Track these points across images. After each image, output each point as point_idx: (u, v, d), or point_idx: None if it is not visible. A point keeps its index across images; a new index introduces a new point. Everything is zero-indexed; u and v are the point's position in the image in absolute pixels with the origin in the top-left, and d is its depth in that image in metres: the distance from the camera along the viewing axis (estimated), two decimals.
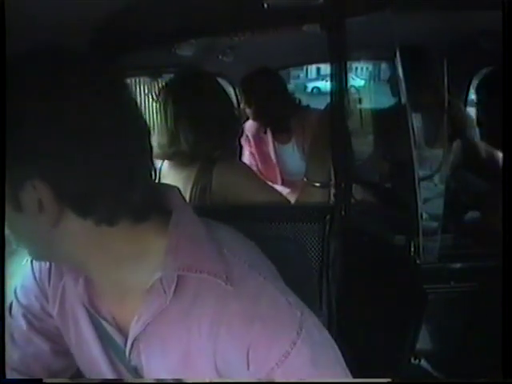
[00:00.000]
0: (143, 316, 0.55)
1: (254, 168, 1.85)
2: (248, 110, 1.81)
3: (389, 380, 0.58)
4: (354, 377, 0.60)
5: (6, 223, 0.52)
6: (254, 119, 1.83)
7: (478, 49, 1.70)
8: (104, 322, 0.58)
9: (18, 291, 0.68)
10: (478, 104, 1.52)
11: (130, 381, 0.60)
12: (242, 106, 1.84)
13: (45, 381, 0.40)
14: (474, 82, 1.94)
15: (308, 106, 1.89)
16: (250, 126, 1.89)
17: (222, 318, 0.51)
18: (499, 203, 0.58)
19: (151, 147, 0.55)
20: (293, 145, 1.82)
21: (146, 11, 0.73)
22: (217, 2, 0.78)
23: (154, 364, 0.57)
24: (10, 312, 0.67)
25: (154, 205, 0.55)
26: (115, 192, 0.49)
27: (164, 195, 0.58)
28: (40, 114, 0.45)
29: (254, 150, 1.88)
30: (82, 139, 0.46)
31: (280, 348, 0.49)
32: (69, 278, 0.61)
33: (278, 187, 1.63)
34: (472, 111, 1.91)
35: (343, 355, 0.55)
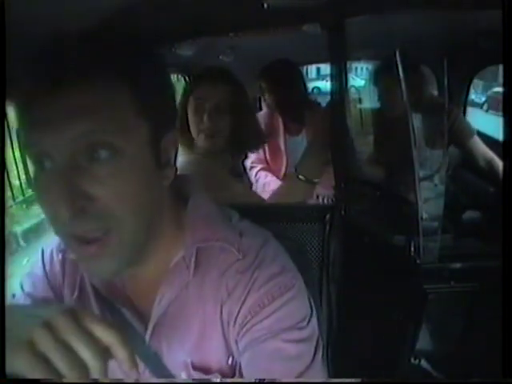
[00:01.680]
0: (166, 295, 0.56)
1: (262, 157, 1.85)
2: (265, 99, 1.83)
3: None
4: (354, 376, 0.60)
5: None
6: (271, 108, 1.84)
7: (477, 49, 1.70)
8: (124, 310, 0.59)
9: (23, 279, 0.67)
10: None
11: (129, 381, 0.60)
12: (259, 94, 1.86)
13: (43, 381, 0.40)
14: (474, 82, 1.94)
15: (321, 102, 1.91)
16: (263, 115, 1.90)
17: (234, 281, 0.55)
18: (499, 203, 0.58)
19: None
20: (302, 137, 1.82)
21: (145, 11, 0.73)
22: (217, 2, 0.78)
23: (174, 346, 0.58)
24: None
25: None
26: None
27: (183, 183, 0.62)
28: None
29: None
30: None
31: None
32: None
33: (273, 180, 1.65)
34: (472, 111, 1.92)
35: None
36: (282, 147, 1.84)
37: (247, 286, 0.54)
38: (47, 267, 0.65)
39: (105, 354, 0.41)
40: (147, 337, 0.58)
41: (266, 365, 0.52)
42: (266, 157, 1.87)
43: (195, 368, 0.57)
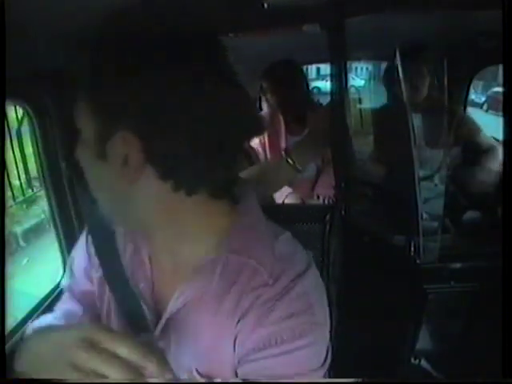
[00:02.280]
0: (185, 293, 0.55)
1: (262, 157, 1.85)
2: (267, 99, 1.83)
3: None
4: (354, 376, 0.60)
5: (88, 170, 0.53)
6: (272, 108, 1.85)
7: (477, 49, 1.70)
8: (142, 300, 0.58)
9: (69, 259, 0.69)
10: None
11: (130, 381, 0.60)
12: (259, 94, 1.87)
13: (44, 381, 0.41)
14: (474, 82, 1.93)
15: (322, 102, 1.91)
16: (265, 115, 1.89)
17: (253, 305, 0.52)
18: (499, 203, 0.58)
19: (241, 130, 0.52)
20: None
21: (145, 11, 0.73)
22: (217, 1, 0.78)
23: (182, 348, 0.56)
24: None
25: (227, 188, 0.55)
26: (203, 161, 0.49)
27: (236, 183, 0.58)
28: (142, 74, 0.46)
29: (264, 139, 1.88)
30: (182, 100, 0.46)
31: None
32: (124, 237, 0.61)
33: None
34: (472, 111, 1.92)
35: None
36: (283, 147, 1.84)
37: (261, 317, 0.52)
38: (89, 244, 0.66)
39: (135, 370, 0.43)
40: (157, 330, 0.57)
41: None
42: (267, 157, 1.87)
43: (200, 375, 0.56)
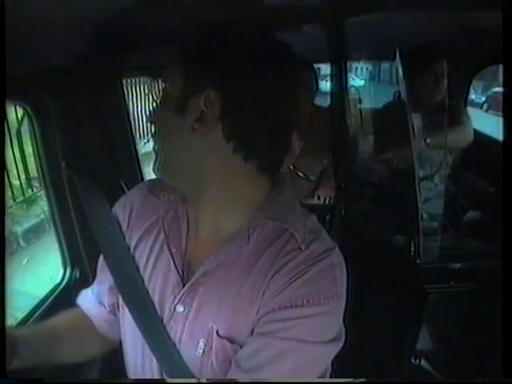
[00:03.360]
0: (219, 255, 0.57)
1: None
2: None
3: None
4: (355, 376, 0.60)
5: (163, 126, 0.58)
6: None
7: (477, 49, 1.70)
8: (171, 259, 0.60)
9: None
10: None
11: (130, 380, 0.60)
12: None
13: (45, 381, 0.41)
14: (474, 82, 1.94)
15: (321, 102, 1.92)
16: None
17: (285, 266, 0.55)
18: (499, 203, 0.58)
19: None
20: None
21: (146, 11, 0.73)
22: (216, 1, 0.78)
23: (205, 310, 0.57)
24: None
25: (274, 166, 0.59)
26: (265, 133, 0.54)
27: (281, 167, 0.61)
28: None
29: None
30: (259, 83, 0.53)
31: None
32: (164, 204, 0.63)
33: None
34: (472, 111, 1.92)
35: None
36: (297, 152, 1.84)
37: (292, 277, 0.53)
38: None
39: None
40: (181, 292, 0.58)
41: (262, 362, 0.53)
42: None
43: (220, 336, 0.56)
